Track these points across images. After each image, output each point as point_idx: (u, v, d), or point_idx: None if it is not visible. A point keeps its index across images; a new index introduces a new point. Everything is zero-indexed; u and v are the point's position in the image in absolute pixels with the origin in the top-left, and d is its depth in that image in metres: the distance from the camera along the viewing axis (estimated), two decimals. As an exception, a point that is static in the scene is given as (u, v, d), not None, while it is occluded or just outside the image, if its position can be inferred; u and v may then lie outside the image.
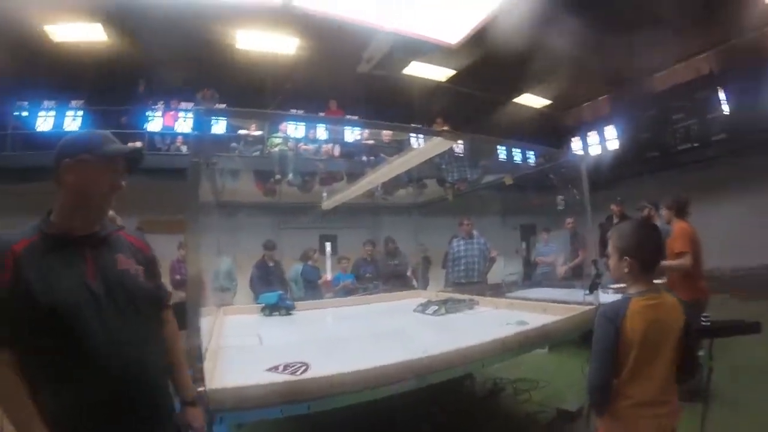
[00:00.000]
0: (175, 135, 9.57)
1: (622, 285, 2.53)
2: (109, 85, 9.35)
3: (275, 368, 2.31)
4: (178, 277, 6.55)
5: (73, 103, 9.28)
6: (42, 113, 9.13)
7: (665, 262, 3.96)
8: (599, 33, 8.58)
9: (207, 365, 2.05)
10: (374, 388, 2.16)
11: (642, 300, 1.70)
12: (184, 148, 9.26)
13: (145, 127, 9.56)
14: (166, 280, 6.23)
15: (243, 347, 3.16)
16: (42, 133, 8.98)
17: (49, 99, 9.22)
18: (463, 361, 2.58)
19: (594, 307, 3.36)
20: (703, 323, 2.59)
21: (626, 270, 1.75)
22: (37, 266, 1.28)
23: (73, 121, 9.19)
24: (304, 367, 2.30)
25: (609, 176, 11.10)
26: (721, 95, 10.77)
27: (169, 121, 9.74)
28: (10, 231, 1.36)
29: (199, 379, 1.88)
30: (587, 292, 3.43)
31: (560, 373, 4.82)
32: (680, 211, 4.31)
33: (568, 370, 4.74)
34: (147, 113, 9.61)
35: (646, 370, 1.66)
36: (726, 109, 10.70)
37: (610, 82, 12.22)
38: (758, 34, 8.70)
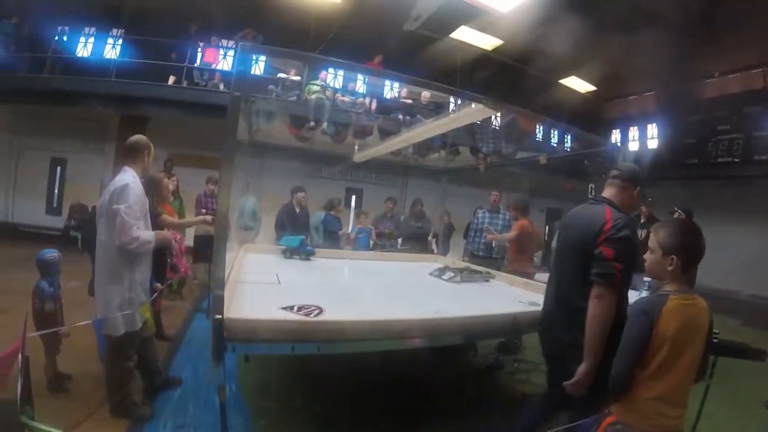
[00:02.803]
0: (214, 71, 9.50)
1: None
2: (152, 16, 9.29)
3: (290, 308, 2.38)
4: (203, 210, 6.67)
5: (114, 31, 9.28)
6: (82, 39, 9.17)
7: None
8: (658, 28, 8.11)
9: (225, 296, 2.10)
10: (383, 340, 2.21)
11: (680, 299, 1.73)
12: (221, 86, 9.26)
13: (194, 62, 9.50)
14: (191, 213, 6.38)
15: (261, 284, 3.24)
16: (81, 58, 9.07)
17: (90, 25, 9.25)
18: (472, 328, 2.62)
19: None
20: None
21: (670, 268, 1.77)
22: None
23: (112, 49, 9.21)
24: (318, 311, 2.36)
25: (644, 175, 10.73)
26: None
27: (209, 58, 9.66)
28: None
29: (219, 307, 1.95)
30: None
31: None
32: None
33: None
34: (196, 51, 9.54)
35: (672, 367, 1.70)
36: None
37: (659, 78, 11.66)
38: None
